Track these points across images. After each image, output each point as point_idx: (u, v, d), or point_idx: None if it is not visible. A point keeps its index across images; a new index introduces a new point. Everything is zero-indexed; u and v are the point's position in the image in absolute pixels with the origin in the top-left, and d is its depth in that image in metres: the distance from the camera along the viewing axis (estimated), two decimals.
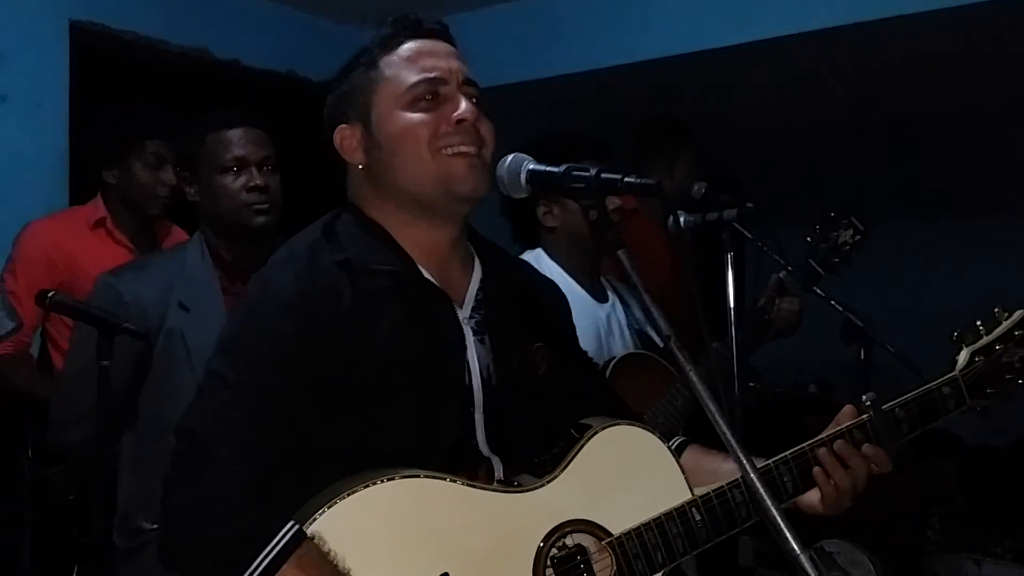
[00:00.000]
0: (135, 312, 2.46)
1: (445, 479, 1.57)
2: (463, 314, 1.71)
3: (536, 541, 1.61)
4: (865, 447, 1.74)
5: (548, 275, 2.09)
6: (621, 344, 2.88)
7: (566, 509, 1.64)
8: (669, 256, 3.53)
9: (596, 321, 2.85)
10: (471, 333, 1.70)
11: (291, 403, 1.55)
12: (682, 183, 3.60)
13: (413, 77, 1.67)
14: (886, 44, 4.46)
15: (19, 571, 2.97)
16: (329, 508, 1.50)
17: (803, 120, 5.79)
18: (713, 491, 1.69)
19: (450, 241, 1.72)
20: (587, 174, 1.58)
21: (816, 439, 1.75)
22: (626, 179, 1.55)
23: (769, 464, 1.72)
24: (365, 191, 1.72)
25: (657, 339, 2.65)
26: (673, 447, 1.77)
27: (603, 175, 1.57)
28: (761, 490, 1.44)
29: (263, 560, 1.46)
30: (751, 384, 3.28)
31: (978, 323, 1.85)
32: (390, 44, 1.71)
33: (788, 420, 4.19)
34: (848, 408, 1.79)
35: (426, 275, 1.68)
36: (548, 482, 1.65)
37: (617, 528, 1.66)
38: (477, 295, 1.74)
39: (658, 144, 4.06)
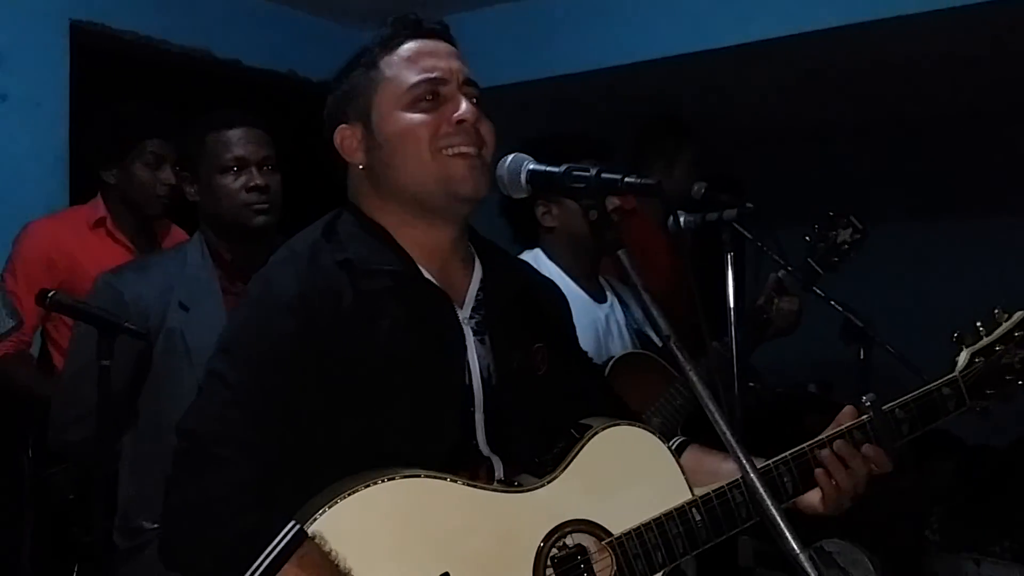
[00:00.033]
0: (135, 312, 2.46)
1: (446, 479, 1.57)
2: (463, 314, 1.71)
3: (536, 541, 1.61)
4: (865, 447, 1.75)
5: (546, 275, 2.09)
6: (620, 344, 2.89)
7: (566, 509, 1.64)
8: (669, 256, 3.53)
9: (594, 321, 2.85)
10: (471, 333, 1.70)
11: (291, 403, 1.55)
12: (682, 183, 3.59)
13: (413, 77, 1.67)
14: (886, 44, 4.45)
15: (19, 571, 2.97)
16: (330, 508, 1.50)
17: (803, 120, 5.78)
18: (713, 491, 1.70)
19: (450, 241, 1.72)
20: (587, 174, 1.58)
21: (816, 439, 1.76)
22: (626, 179, 1.55)
23: (769, 464, 1.72)
24: (365, 191, 1.72)
25: (656, 339, 2.66)
26: (673, 447, 1.77)
27: (603, 175, 1.57)
28: (761, 490, 1.44)
29: (264, 560, 1.46)
30: (751, 384, 3.28)
31: (978, 324, 1.86)
32: (390, 44, 1.71)
33: (788, 420, 4.19)
34: (848, 408, 1.79)
35: (426, 275, 1.68)
36: (548, 482, 1.65)
37: (617, 528, 1.66)
38: (477, 295, 1.74)
39: (658, 144, 4.07)
